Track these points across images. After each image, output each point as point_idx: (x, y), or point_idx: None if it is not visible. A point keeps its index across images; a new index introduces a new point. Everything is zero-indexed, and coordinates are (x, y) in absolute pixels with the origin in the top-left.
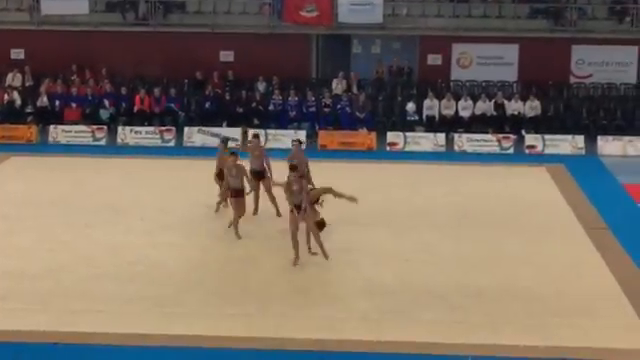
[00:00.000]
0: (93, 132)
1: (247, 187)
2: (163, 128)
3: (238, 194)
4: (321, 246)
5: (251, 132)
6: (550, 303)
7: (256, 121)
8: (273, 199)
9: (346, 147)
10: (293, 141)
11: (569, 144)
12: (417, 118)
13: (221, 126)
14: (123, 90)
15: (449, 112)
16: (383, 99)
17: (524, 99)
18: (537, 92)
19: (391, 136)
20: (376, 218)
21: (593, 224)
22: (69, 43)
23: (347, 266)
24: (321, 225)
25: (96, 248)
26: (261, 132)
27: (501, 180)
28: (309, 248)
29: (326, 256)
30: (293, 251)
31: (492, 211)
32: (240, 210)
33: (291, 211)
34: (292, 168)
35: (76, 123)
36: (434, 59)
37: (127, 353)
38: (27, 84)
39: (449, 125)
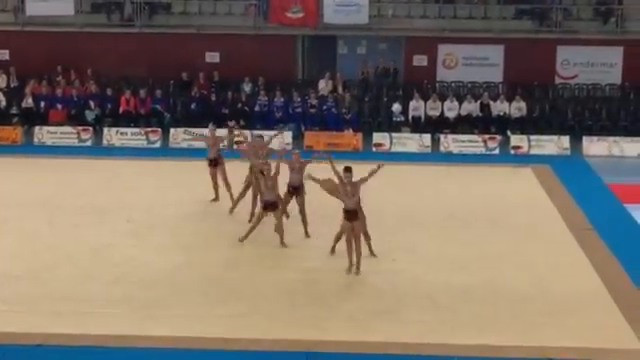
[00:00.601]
0: (79, 133)
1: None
2: (149, 129)
3: (269, 207)
4: (359, 256)
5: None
6: (535, 303)
7: (242, 122)
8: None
9: (332, 148)
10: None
11: (554, 145)
12: (403, 119)
13: (207, 127)
14: (109, 91)
15: (435, 113)
16: (369, 100)
17: (510, 100)
18: (523, 93)
19: (377, 137)
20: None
21: (578, 224)
22: (54, 44)
23: (334, 266)
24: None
25: (81, 249)
26: (247, 133)
27: (487, 181)
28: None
29: (358, 269)
30: (348, 259)
31: (478, 211)
32: (257, 221)
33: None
34: (348, 169)
35: (61, 124)
36: (420, 60)
37: (113, 355)
38: (12, 85)
39: (435, 126)
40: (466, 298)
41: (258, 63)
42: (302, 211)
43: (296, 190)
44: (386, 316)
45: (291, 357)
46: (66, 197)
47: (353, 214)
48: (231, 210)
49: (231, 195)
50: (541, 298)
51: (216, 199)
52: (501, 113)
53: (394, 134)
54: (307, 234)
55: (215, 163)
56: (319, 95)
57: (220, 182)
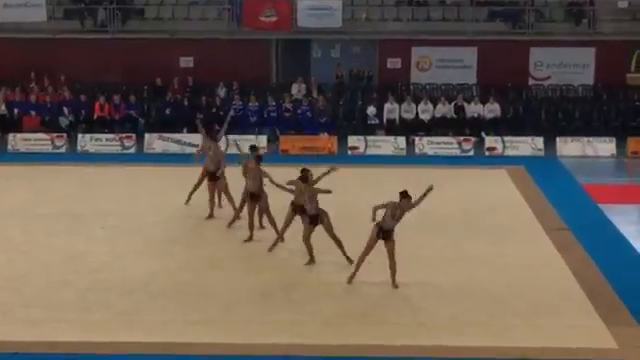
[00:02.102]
0: (53, 140)
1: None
2: (123, 135)
3: (313, 220)
4: (394, 272)
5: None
6: (511, 304)
7: (217, 127)
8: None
9: (307, 152)
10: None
11: (529, 145)
12: (378, 122)
13: (181, 132)
14: (82, 97)
15: (409, 115)
16: (344, 103)
17: (483, 101)
18: (496, 94)
19: (352, 140)
20: (338, 222)
21: (553, 225)
22: (27, 51)
23: (310, 270)
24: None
25: (56, 257)
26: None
27: (462, 182)
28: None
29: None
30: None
31: (453, 213)
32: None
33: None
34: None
35: (35, 131)
36: (394, 63)
37: None
38: None
39: (410, 128)
40: (442, 300)
41: (232, 67)
42: (268, 215)
43: (256, 196)
44: (363, 319)
45: None
46: (40, 204)
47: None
48: (229, 224)
49: (234, 208)
50: (517, 299)
51: (211, 216)
52: (475, 115)
53: (369, 137)
54: (281, 239)
55: (214, 177)
56: (294, 99)
57: (218, 195)
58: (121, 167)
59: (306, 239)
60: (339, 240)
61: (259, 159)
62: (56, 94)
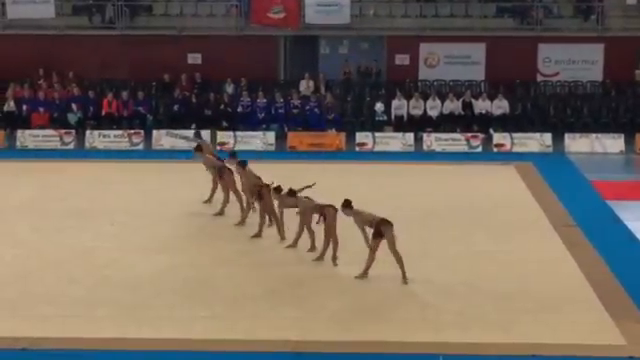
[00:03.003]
0: (61, 136)
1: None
2: (131, 131)
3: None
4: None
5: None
6: (519, 300)
7: (225, 123)
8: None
9: (315, 148)
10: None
11: (537, 142)
12: (386, 118)
13: (190, 128)
14: (91, 94)
15: (417, 112)
16: (352, 100)
17: (492, 98)
18: (504, 91)
19: (360, 136)
20: (345, 218)
21: (562, 221)
22: (35, 47)
23: (317, 265)
24: None
25: (65, 253)
26: (230, 134)
27: (470, 179)
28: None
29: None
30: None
31: (461, 209)
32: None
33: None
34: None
35: (44, 127)
36: (402, 59)
37: (97, 358)
38: None
39: (418, 125)
40: (449, 296)
41: (240, 64)
42: (270, 212)
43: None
44: (370, 315)
45: (274, 358)
46: (49, 200)
47: None
48: (240, 223)
49: (241, 205)
50: (525, 295)
51: (221, 213)
52: (483, 111)
53: (377, 133)
54: (282, 237)
55: (220, 174)
56: (301, 95)
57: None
58: (129, 163)
59: (308, 226)
60: (334, 241)
61: (243, 164)
62: (64, 91)
